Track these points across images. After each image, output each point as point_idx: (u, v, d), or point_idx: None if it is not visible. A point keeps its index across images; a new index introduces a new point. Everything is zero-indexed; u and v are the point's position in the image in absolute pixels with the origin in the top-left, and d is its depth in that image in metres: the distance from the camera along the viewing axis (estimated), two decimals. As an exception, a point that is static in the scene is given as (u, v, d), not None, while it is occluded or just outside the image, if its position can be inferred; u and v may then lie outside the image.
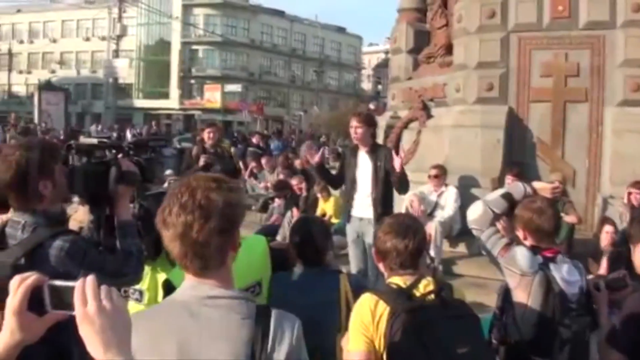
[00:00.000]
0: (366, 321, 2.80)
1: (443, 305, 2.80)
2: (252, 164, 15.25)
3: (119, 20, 37.37)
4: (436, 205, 9.04)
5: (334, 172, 7.53)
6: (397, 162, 6.43)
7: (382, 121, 12.19)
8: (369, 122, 6.81)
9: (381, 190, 6.61)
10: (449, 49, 10.90)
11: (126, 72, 31.60)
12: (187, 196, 1.90)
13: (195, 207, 1.88)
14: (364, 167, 6.77)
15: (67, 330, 1.62)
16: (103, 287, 1.43)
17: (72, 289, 1.41)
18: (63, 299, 1.44)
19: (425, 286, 2.90)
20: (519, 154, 9.47)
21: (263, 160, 14.93)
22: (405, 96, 12.00)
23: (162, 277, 3.58)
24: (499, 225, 3.79)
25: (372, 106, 41.07)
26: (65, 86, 61.15)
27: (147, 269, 3.66)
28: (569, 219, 8.10)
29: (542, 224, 3.61)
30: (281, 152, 18.84)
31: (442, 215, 8.79)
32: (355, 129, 6.68)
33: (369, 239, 6.50)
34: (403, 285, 2.91)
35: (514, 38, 9.51)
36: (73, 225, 3.64)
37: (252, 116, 53.39)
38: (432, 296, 2.83)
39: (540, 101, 9.43)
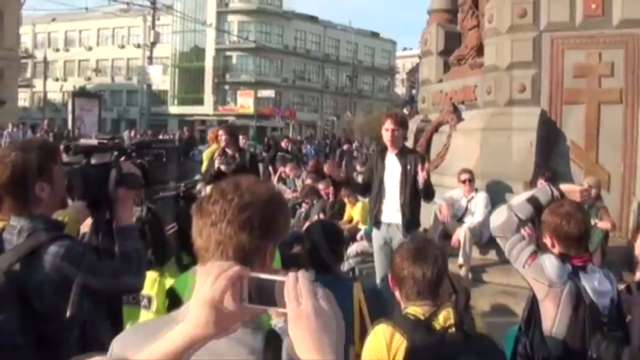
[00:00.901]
0: (381, 354, 2.59)
1: (465, 339, 2.59)
2: (281, 169, 15.07)
3: (152, 28, 37.59)
4: (466, 211, 8.82)
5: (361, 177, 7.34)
6: (420, 177, 6.21)
7: (413, 125, 12.03)
8: (404, 124, 6.63)
9: (409, 195, 6.37)
10: (480, 50, 10.67)
11: (160, 78, 31.74)
12: (231, 185, 1.75)
13: (236, 195, 1.71)
14: (392, 171, 6.53)
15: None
16: (318, 286, 1.36)
17: (273, 283, 1.35)
18: (262, 294, 1.37)
19: (446, 317, 2.68)
20: (552, 158, 9.20)
21: (287, 167, 14.72)
22: (435, 99, 11.82)
23: (169, 283, 3.45)
24: (524, 232, 3.54)
25: (405, 111, 40.83)
26: (100, 93, 62.14)
27: (155, 275, 3.53)
28: (602, 225, 7.80)
29: (571, 229, 3.34)
30: (313, 157, 18.61)
31: (471, 221, 8.55)
32: (392, 131, 6.44)
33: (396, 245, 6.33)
34: (421, 317, 2.70)
35: (547, 38, 9.24)
36: (82, 229, 3.53)
37: (285, 121, 53.44)
38: (453, 329, 2.61)
39: (574, 103, 9.13)
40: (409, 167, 6.35)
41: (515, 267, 3.45)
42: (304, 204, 11.31)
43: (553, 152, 9.24)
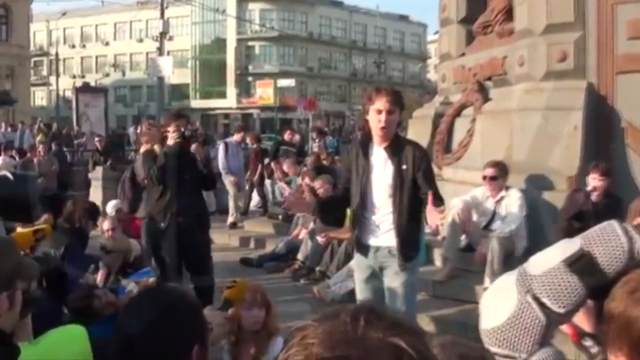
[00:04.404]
0: None
1: None
2: (286, 166, 13.18)
3: (161, 17, 36.37)
4: (494, 216, 7.14)
5: None
6: (431, 219, 4.22)
7: (431, 109, 10.58)
8: (402, 104, 4.63)
9: (408, 208, 4.41)
10: (509, 13, 9.04)
11: (171, 70, 30.01)
12: None
13: None
14: (381, 172, 4.54)
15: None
16: None
17: None
18: None
19: None
20: (603, 144, 7.61)
21: (285, 164, 12.88)
22: (457, 77, 10.15)
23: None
24: (582, 313, 1.50)
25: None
26: (120, 89, 61.37)
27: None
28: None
29: None
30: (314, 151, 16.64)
31: (502, 228, 6.86)
32: (387, 113, 4.43)
33: (389, 280, 4.42)
34: None
35: (593, -10, 7.75)
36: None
37: (306, 112, 52.34)
38: None
39: (630, 72, 7.57)
40: (405, 167, 4.39)
41: None
42: (300, 208, 9.58)
43: (605, 136, 7.69)
